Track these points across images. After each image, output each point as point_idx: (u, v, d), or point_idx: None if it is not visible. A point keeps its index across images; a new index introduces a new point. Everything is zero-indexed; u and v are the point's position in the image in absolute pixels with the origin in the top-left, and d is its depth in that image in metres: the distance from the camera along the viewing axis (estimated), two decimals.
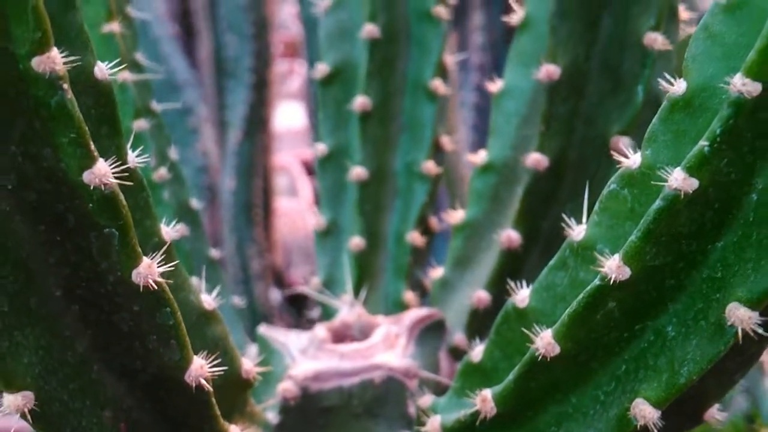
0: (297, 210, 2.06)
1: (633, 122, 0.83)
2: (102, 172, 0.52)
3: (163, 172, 0.94)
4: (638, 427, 0.60)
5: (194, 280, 0.88)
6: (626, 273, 0.58)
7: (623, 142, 0.83)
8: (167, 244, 0.65)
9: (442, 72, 1.02)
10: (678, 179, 0.55)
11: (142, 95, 0.96)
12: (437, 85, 1.02)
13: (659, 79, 0.64)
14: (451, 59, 1.05)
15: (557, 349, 0.62)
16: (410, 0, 1.02)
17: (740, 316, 0.55)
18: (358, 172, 1.01)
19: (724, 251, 0.57)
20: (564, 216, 0.70)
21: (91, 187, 0.52)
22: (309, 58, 1.55)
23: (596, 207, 0.65)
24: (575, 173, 0.86)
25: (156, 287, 0.57)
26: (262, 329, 0.91)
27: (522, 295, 0.72)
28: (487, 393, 0.68)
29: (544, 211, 0.88)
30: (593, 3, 0.82)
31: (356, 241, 1.01)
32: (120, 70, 0.87)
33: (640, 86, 0.82)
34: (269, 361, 0.86)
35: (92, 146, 0.52)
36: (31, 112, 0.50)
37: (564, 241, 0.69)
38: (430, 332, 0.91)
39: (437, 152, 1.03)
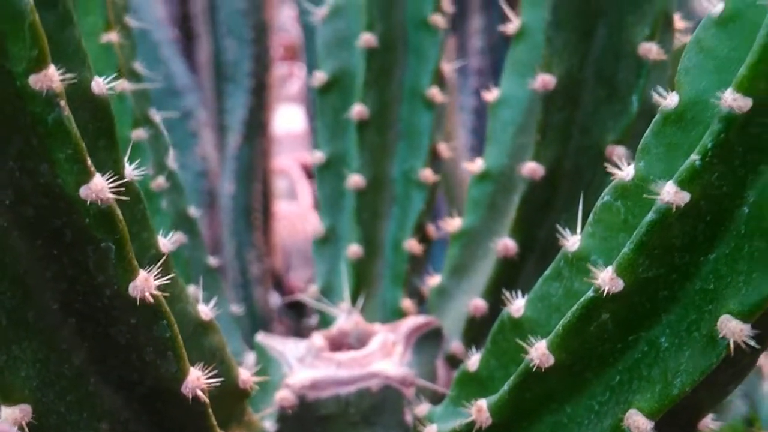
0: (297, 213, 2.07)
1: (628, 132, 0.84)
2: (98, 187, 0.53)
3: (161, 181, 0.95)
4: None
5: (192, 289, 0.89)
6: (619, 285, 0.59)
7: (618, 152, 0.84)
8: (164, 256, 0.65)
9: (439, 80, 1.03)
10: (670, 192, 0.56)
11: (140, 104, 0.96)
12: (434, 93, 1.02)
13: (656, 89, 0.65)
14: (448, 67, 1.06)
15: (552, 360, 0.63)
16: (407, 8, 1.03)
17: (732, 328, 0.56)
18: (355, 180, 1.01)
19: (716, 263, 0.58)
20: (559, 226, 0.70)
21: (88, 203, 0.53)
22: (308, 62, 1.55)
23: (590, 218, 0.66)
24: (571, 182, 0.87)
25: (152, 300, 0.57)
26: (260, 337, 0.91)
27: (517, 305, 0.72)
28: (483, 403, 0.68)
29: (541, 219, 0.88)
30: (588, 13, 0.83)
31: (354, 249, 1.01)
32: (118, 80, 0.88)
33: (635, 96, 0.83)
34: (267, 370, 0.87)
35: (89, 162, 0.53)
36: (28, 129, 0.51)
37: (559, 251, 0.70)
38: (428, 340, 0.91)
39: (434, 160, 1.04)
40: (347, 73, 1.05)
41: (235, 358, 0.91)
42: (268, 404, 0.83)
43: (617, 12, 0.83)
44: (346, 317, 0.94)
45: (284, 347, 0.89)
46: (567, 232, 0.69)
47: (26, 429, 0.55)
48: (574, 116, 0.85)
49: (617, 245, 0.63)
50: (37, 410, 0.56)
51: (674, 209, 0.56)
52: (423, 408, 0.83)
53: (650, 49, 0.82)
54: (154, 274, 0.58)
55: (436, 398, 0.86)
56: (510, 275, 0.89)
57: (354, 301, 0.99)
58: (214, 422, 0.65)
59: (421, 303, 1.03)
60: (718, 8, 0.58)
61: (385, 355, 0.87)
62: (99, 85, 0.58)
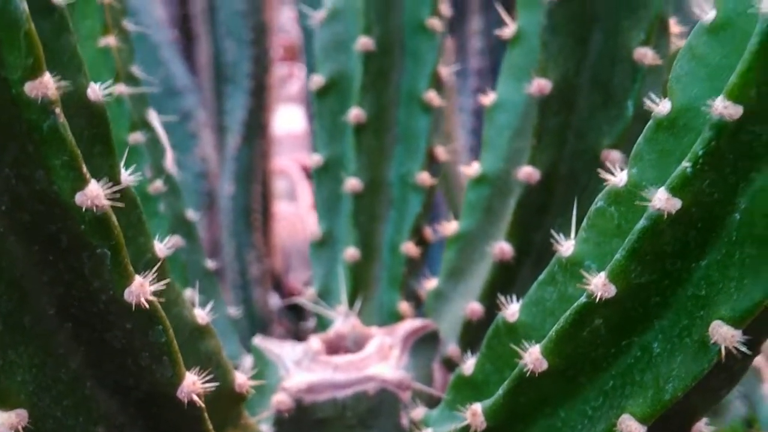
0: (296, 214, 2.07)
1: (623, 136, 0.84)
2: (94, 193, 0.53)
3: (159, 184, 0.95)
4: None
5: (189, 292, 0.89)
6: (612, 291, 0.59)
7: (614, 156, 0.84)
8: (160, 261, 0.65)
9: (436, 83, 1.03)
10: (661, 199, 0.56)
11: (138, 107, 0.97)
12: (432, 96, 1.02)
13: (649, 95, 0.65)
14: (446, 70, 1.06)
15: (545, 365, 0.63)
16: (405, 12, 1.03)
17: (723, 334, 0.56)
18: (352, 183, 1.02)
19: (708, 269, 0.58)
20: (553, 231, 0.70)
21: (83, 209, 0.53)
22: (308, 63, 1.56)
23: (584, 224, 0.66)
24: (567, 186, 0.87)
25: (148, 306, 0.57)
26: (257, 340, 0.92)
27: (512, 310, 0.72)
28: (477, 407, 0.68)
29: (536, 223, 0.88)
30: (583, 18, 0.83)
31: (351, 252, 1.01)
32: (116, 84, 0.89)
33: (630, 101, 0.83)
34: (264, 373, 0.87)
35: (84, 168, 0.53)
36: (24, 136, 0.51)
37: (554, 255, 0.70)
38: (424, 343, 0.92)
39: (432, 163, 1.04)
40: (345, 76, 1.05)
41: (233, 362, 0.92)
42: (266, 407, 0.84)
43: (613, 17, 0.83)
44: (343, 320, 0.94)
45: (281, 350, 0.89)
46: (561, 237, 0.69)
47: None
48: (569, 121, 0.86)
49: (611, 250, 0.63)
50: (33, 415, 0.56)
51: (666, 216, 0.56)
52: (419, 411, 0.83)
53: (645, 54, 0.83)
54: (150, 279, 0.58)
55: (432, 401, 0.86)
56: (506, 279, 0.89)
57: (351, 304, 0.99)
58: (210, 426, 0.65)
59: (419, 306, 1.04)
60: (710, 16, 0.59)
61: (381, 359, 0.87)
62: (95, 91, 0.59)
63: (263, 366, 0.88)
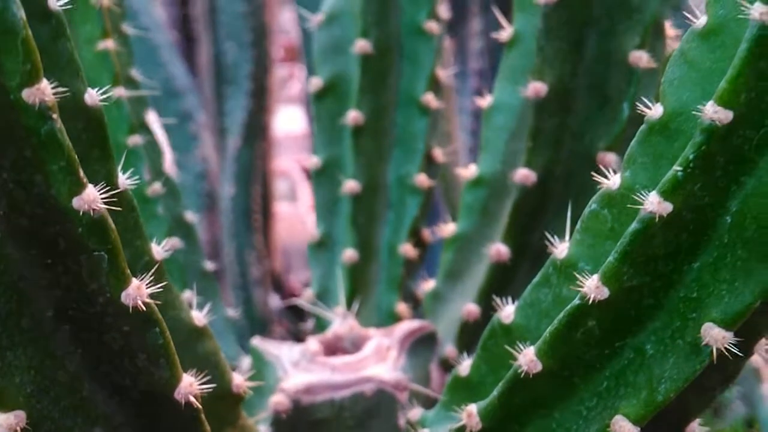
0: (297, 215, 2.08)
1: (619, 139, 0.85)
2: (91, 197, 0.54)
3: (157, 186, 0.96)
4: None
5: (188, 294, 0.90)
6: (605, 293, 0.60)
7: (609, 158, 0.85)
8: (158, 263, 0.66)
9: (434, 86, 1.04)
10: (653, 203, 0.56)
11: (137, 110, 0.97)
12: (429, 99, 1.03)
13: (642, 99, 0.65)
14: (444, 73, 1.07)
15: (539, 366, 0.64)
16: (402, 15, 1.04)
17: (715, 335, 0.57)
18: (351, 185, 1.02)
19: (700, 272, 0.58)
20: (548, 234, 0.71)
21: (81, 213, 0.54)
22: (308, 65, 1.56)
23: (578, 226, 0.67)
24: (563, 188, 0.88)
25: (145, 308, 0.58)
26: (256, 341, 0.92)
27: (507, 312, 0.73)
28: (473, 408, 0.69)
29: (533, 225, 0.89)
30: (579, 22, 0.83)
31: (349, 254, 1.02)
32: (115, 87, 0.89)
33: (626, 104, 0.84)
34: (262, 374, 0.88)
35: (81, 173, 0.53)
36: (22, 141, 0.52)
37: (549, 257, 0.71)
38: (422, 344, 0.92)
39: (430, 165, 1.05)
40: (343, 79, 1.06)
41: (231, 363, 0.92)
42: (264, 408, 0.84)
43: (608, 20, 0.84)
44: (341, 321, 0.95)
45: (279, 351, 0.89)
46: (556, 239, 0.70)
47: None
48: (565, 123, 0.86)
49: (604, 252, 0.64)
50: (31, 416, 0.57)
51: (657, 219, 0.57)
52: (416, 412, 0.84)
53: (641, 57, 0.83)
54: (147, 281, 0.59)
55: (429, 402, 0.87)
56: (503, 280, 0.90)
57: (349, 305, 1.00)
58: (208, 427, 0.66)
59: (416, 307, 1.04)
60: (701, 21, 0.59)
61: (379, 360, 0.88)
62: (92, 96, 0.59)
63: (262, 367, 0.89)
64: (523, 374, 0.64)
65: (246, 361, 0.95)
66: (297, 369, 0.86)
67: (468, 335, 0.91)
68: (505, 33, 0.92)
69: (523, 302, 0.72)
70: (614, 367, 0.63)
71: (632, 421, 0.61)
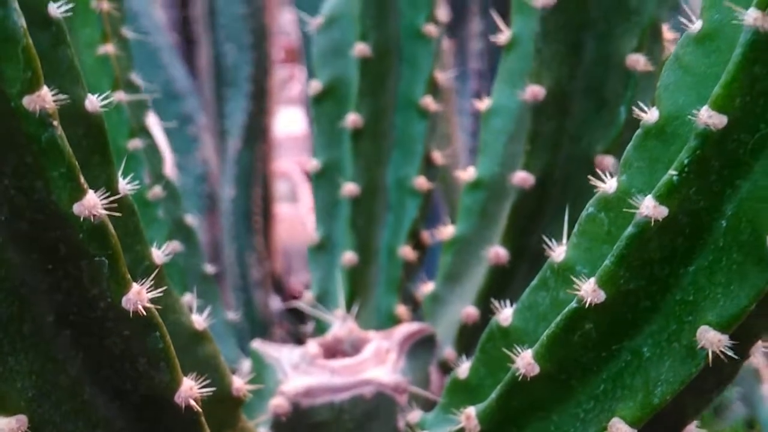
0: (297, 216, 2.08)
1: (616, 142, 0.85)
2: (91, 203, 0.54)
3: (157, 190, 0.96)
4: None
5: (188, 297, 0.91)
6: (601, 296, 0.60)
7: (607, 161, 0.85)
8: (158, 268, 0.66)
9: (433, 89, 1.04)
10: (649, 207, 0.57)
11: (137, 114, 0.98)
12: (428, 102, 1.04)
13: (638, 103, 0.66)
14: (442, 75, 1.07)
15: (537, 369, 0.64)
16: (401, 19, 1.04)
17: (710, 339, 0.57)
18: (350, 188, 1.03)
19: (695, 275, 0.59)
20: (545, 237, 0.71)
21: (81, 219, 0.54)
22: (308, 67, 1.56)
23: (575, 229, 0.67)
24: (561, 191, 0.88)
25: (145, 313, 0.58)
26: (256, 344, 0.93)
27: (505, 314, 0.73)
28: (471, 411, 0.69)
29: (531, 228, 0.89)
30: (576, 25, 0.84)
31: (349, 256, 1.02)
32: (115, 91, 0.90)
33: (623, 107, 0.84)
34: (263, 376, 0.88)
35: (82, 179, 0.54)
36: (22, 148, 0.52)
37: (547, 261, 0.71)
38: (421, 347, 0.93)
39: (429, 167, 1.05)
40: (342, 82, 1.06)
41: (231, 365, 0.93)
42: (264, 411, 0.85)
43: (605, 24, 0.84)
44: (340, 324, 0.95)
45: (279, 354, 0.90)
46: (554, 243, 0.70)
47: None
48: (563, 126, 0.87)
49: (601, 256, 0.64)
50: (33, 420, 0.57)
51: (653, 223, 0.57)
52: (415, 415, 0.84)
53: (638, 61, 0.84)
54: (147, 286, 0.59)
55: (428, 405, 0.87)
56: (501, 283, 0.90)
57: (349, 307, 1.00)
58: (208, 430, 0.66)
59: (416, 309, 1.05)
60: (696, 26, 0.60)
61: (378, 362, 0.88)
62: (92, 102, 0.60)
63: (262, 369, 0.89)
64: (520, 377, 0.65)
65: (246, 364, 0.95)
66: (297, 372, 0.87)
67: (467, 338, 0.92)
68: (503, 36, 0.92)
69: (521, 305, 0.72)
70: (611, 370, 0.63)
71: (629, 423, 0.61)
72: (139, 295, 0.58)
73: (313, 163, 1.07)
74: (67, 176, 0.53)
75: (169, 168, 1.03)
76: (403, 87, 1.05)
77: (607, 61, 0.85)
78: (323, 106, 1.07)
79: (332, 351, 0.92)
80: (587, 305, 0.60)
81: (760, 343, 0.64)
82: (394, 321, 1.01)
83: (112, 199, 0.56)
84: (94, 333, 0.60)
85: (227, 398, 0.75)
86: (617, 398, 0.63)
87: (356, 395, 0.84)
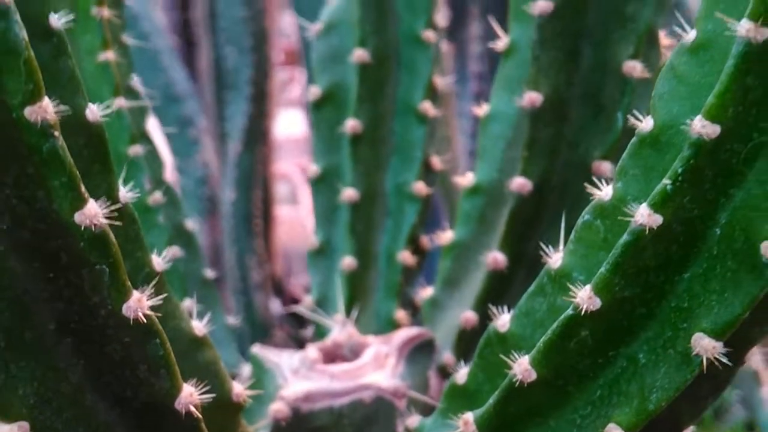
0: (298, 218, 2.09)
1: (614, 148, 0.86)
2: (92, 212, 0.55)
3: (158, 196, 0.97)
4: None
5: (188, 302, 0.91)
6: (597, 303, 0.61)
7: (604, 167, 0.86)
8: (158, 275, 0.67)
9: (431, 94, 1.05)
10: (643, 215, 0.57)
11: (137, 121, 0.98)
12: (427, 107, 1.04)
13: (634, 112, 0.66)
14: (441, 81, 1.08)
15: (534, 376, 0.65)
16: (400, 25, 1.05)
17: (705, 346, 0.58)
18: (349, 193, 1.04)
19: (690, 282, 0.59)
20: (542, 243, 0.72)
21: (82, 227, 0.55)
22: (308, 71, 1.57)
23: (572, 236, 0.68)
24: (559, 197, 0.89)
25: (146, 320, 0.59)
26: (256, 349, 0.93)
27: (503, 320, 0.74)
28: (469, 416, 0.70)
29: (529, 233, 0.90)
30: (573, 32, 0.84)
31: (348, 261, 1.03)
32: (116, 98, 0.90)
33: (620, 113, 0.85)
34: (262, 381, 0.89)
35: (83, 189, 0.55)
36: (24, 158, 0.53)
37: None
38: (420, 351, 0.93)
39: (427, 173, 1.06)
40: (341, 87, 1.07)
41: (231, 370, 0.94)
42: (264, 416, 0.85)
43: (602, 31, 0.85)
44: (340, 329, 0.96)
45: (279, 359, 0.90)
46: (550, 249, 0.71)
47: None
48: (561, 132, 0.87)
49: (597, 262, 0.64)
50: (34, 427, 0.58)
51: (648, 231, 0.58)
52: (414, 420, 0.85)
53: (634, 67, 0.84)
54: (148, 293, 0.60)
55: (427, 409, 0.88)
56: (500, 288, 0.91)
57: (348, 312, 1.01)
58: None
59: (415, 314, 1.05)
60: (690, 36, 0.60)
61: (377, 367, 0.89)
62: (93, 112, 0.60)
63: (261, 374, 0.90)
64: (518, 383, 0.65)
65: (246, 369, 0.96)
66: (296, 377, 0.87)
67: (466, 342, 0.92)
68: (501, 43, 0.93)
69: (519, 311, 0.73)
70: (607, 376, 0.64)
71: (624, 429, 0.62)
72: (139, 303, 0.59)
73: (313, 169, 1.08)
74: (68, 186, 0.54)
75: (170, 173, 1.04)
76: (402, 92, 1.05)
77: (604, 68, 0.85)
78: (322, 112, 1.08)
79: (332, 356, 0.93)
80: (583, 312, 0.61)
81: (757, 347, 0.64)
82: (393, 326, 1.02)
83: (113, 208, 0.57)
84: (95, 340, 0.60)
85: (227, 404, 0.75)
86: (613, 404, 0.63)
87: (355, 400, 0.85)
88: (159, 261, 0.69)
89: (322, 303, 1.06)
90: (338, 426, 0.84)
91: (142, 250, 0.67)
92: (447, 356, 0.95)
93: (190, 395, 0.63)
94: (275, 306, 1.75)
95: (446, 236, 0.98)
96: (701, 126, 0.54)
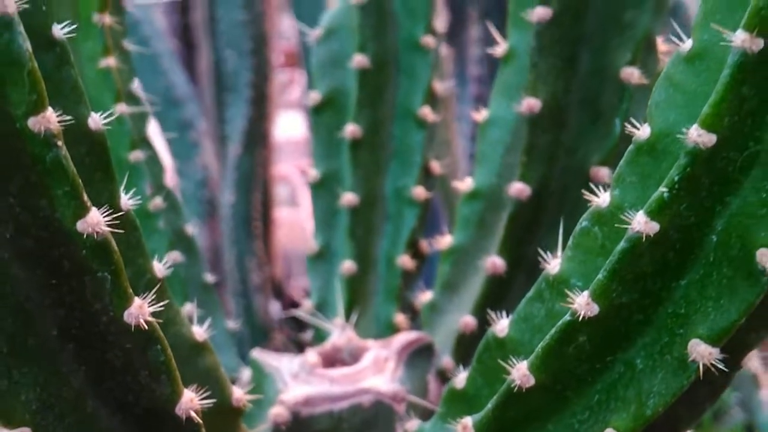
0: (297, 220, 2.09)
1: (612, 153, 0.86)
2: (95, 221, 0.55)
3: (158, 201, 0.97)
4: None
5: (189, 307, 0.92)
6: (595, 309, 0.61)
7: (603, 173, 0.86)
8: (159, 281, 0.68)
9: (430, 99, 1.05)
10: (640, 222, 0.58)
11: (138, 126, 0.99)
12: (426, 112, 1.05)
13: (631, 120, 0.67)
14: (440, 86, 1.08)
15: (532, 381, 0.65)
16: (399, 30, 1.05)
17: (701, 352, 0.58)
18: (349, 198, 1.04)
19: (687, 289, 0.60)
20: (540, 249, 0.73)
21: (84, 235, 0.55)
22: (308, 73, 1.57)
23: (569, 242, 0.68)
24: (557, 202, 0.89)
25: (147, 326, 0.60)
26: (256, 353, 0.94)
27: (501, 325, 0.74)
28: (468, 421, 0.71)
29: (528, 238, 0.90)
30: (571, 39, 0.85)
31: (348, 265, 1.04)
32: (117, 104, 0.91)
33: (618, 119, 0.85)
34: (262, 386, 0.89)
35: (85, 197, 0.55)
36: (28, 167, 0.53)
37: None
38: (419, 356, 0.94)
39: (427, 177, 1.07)
40: (341, 93, 1.08)
41: (231, 374, 0.94)
42: (264, 420, 0.86)
43: (600, 37, 0.85)
44: (339, 333, 0.96)
45: (279, 363, 0.91)
46: (549, 255, 0.71)
47: None
48: (559, 138, 0.88)
49: (595, 269, 0.65)
50: None
51: (644, 238, 0.58)
52: (413, 424, 0.85)
53: (632, 74, 0.85)
54: (149, 300, 0.61)
55: (426, 414, 0.88)
56: (499, 292, 0.91)
57: (348, 316, 1.02)
58: None
59: (414, 318, 1.06)
60: (686, 45, 0.61)
61: (377, 371, 0.89)
62: (95, 121, 0.61)
63: (261, 379, 0.90)
64: (516, 388, 0.66)
65: (246, 373, 0.96)
66: (296, 381, 0.88)
67: (465, 347, 0.93)
68: (500, 49, 0.94)
69: (517, 317, 0.73)
70: (605, 381, 0.64)
71: None
72: (140, 309, 0.59)
73: (313, 173, 1.08)
74: (71, 194, 0.55)
75: (170, 177, 1.04)
76: (402, 97, 1.06)
77: (602, 74, 0.86)
78: (322, 117, 1.08)
79: (331, 360, 0.94)
80: (581, 318, 0.62)
81: (756, 350, 0.65)
82: (392, 329, 1.02)
83: (114, 216, 0.57)
84: (97, 346, 0.61)
85: (228, 409, 0.76)
86: (611, 409, 0.64)
87: (355, 404, 0.85)
88: (160, 267, 0.70)
89: (321, 307, 1.06)
90: (338, 430, 0.85)
91: (143, 256, 0.68)
92: (446, 360, 0.95)
93: (190, 401, 0.64)
94: (275, 308, 1.75)
95: (445, 241, 0.98)
96: (697, 135, 0.55)
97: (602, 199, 0.65)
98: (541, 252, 0.72)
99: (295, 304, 1.59)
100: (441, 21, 1.11)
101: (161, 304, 0.61)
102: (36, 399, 0.59)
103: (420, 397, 0.90)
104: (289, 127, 2.51)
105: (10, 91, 0.51)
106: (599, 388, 0.65)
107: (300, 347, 1.29)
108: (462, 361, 0.88)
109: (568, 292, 0.63)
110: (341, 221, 1.06)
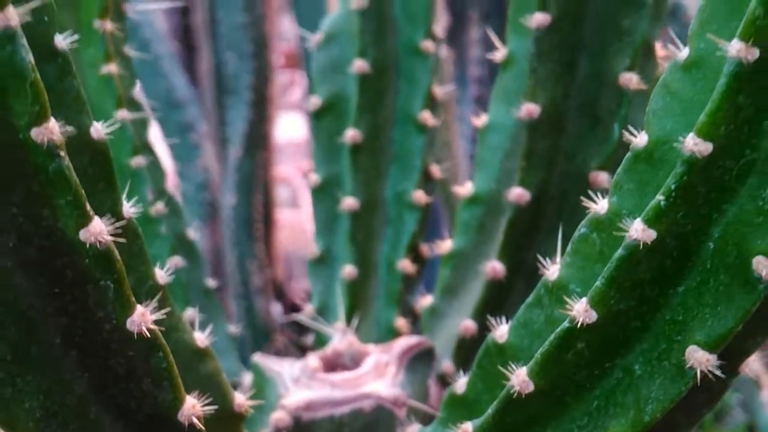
0: (298, 222, 2.10)
1: (610, 158, 0.87)
2: (97, 230, 0.56)
3: (160, 206, 0.98)
4: None
5: (190, 312, 0.92)
6: (593, 316, 0.62)
7: (601, 178, 0.87)
8: (161, 288, 0.68)
9: (430, 104, 1.06)
10: (638, 230, 0.59)
11: (139, 132, 0.99)
12: (426, 117, 1.05)
13: (635, 119, 0.67)
14: (440, 90, 1.09)
15: (531, 387, 0.66)
16: (399, 35, 1.06)
17: (699, 358, 0.59)
18: (349, 202, 1.05)
19: (684, 296, 0.60)
20: (539, 255, 0.73)
21: (87, 245, 0.56)
22: (308, 74, 1.58)
23: (568, 249, 0.69)
24: (556, 207, 0.90)
25: (149, 334, 0.60)
26: (257, 358, 0.94)
27: (501, 331, 0.75)
28: (468, 426, 0.71)
29: (528, 243, 0.91)
30: (570, 44, 0.85)
31: (348, 270, 1.04)
32: (118, 110, 0.91)
33: (617, 124, 0.86)
34: (264, 390, 0.90)
35: (88, 207, 0.56)
36: (30, 177, 0.54)
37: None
38: (420, 360, 0.94)
39: (427, 181, 1.07)
40: (341, 97, 1.08)
41: (233, 379, 0.95)
42: (265, 425, 0.86)
43: (599, 43, 0.86)
44: (340, 337, 0.97)
45: (280, 368, 0.91)
46: (548, 261, 0.72)
47: None
48: (558, 143, 0.88)
49: (594, 275, 0.65)
50: None
51: (642, 246, 0.59)
52: (414, 428, 0.86)
53: (631, 79, 0.85)
54: (151, 308, 0.61)
55: (427, 418, 0.89)
56: (498, 297, 0.92)
57: (349, 320, 1.02)
58: None
59: (415, 322, 1.06)
60: (683, 53, 0.61)
61: (378, 376, 0.90)
62: (97, 130, 0.61)
63: (263, 383, 0.91)
64: (516, 394, 0.66)
65: (248, 378, 0.97)
66: (297, 385, 0.88)
67: (465, 351, 0.93)
68: (499, 54, 0.94)
69: (517, 322, 0.74)
70: (604, 387, 0.65)
71: None
72: (143, 317, 0.60)
73: (313, 178, 1.09)
74: (74, 204, 0.55)
75: (172, 183, 1.05)
76: (402, 102, 1.06)
77: (600, 80, 0.86)
78: (323, 122, 1.09)
79: (332, 364, 0.94)
80: (580, 325, 0.62)
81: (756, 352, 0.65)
82: (393, 334, 1.03)
83: (117, 225, 0.58)
84: (100, 354, 0.61)
85: (229, 415, 0.76)
86: (610, 415, 0.64)
87: (356, 409, 0.86)
88: (162, 274, 0.70)
89: (322, 311, 1.07)
90: None
91: (145, 264, 0.68)
92: (446, 365, 0.96)
93: (192, 407, 0.65)
94: (276, 310, 1.75)
95: (446, 245, 0.99)
96: (694, 143, 0.55)
97: (600, 205, 0.66)
98: (540, 258, 0.72)
99: (296, 306, 1.59)
100: (441, 23, 1.11)
101: (163, 311, 0.62)
102: (40, 407, 0.60)
103: (421, 402, 0.90)
104: (290, 128, 2.51)
105: (13, 103, 0.51)
106: (598, 394, 0.65)
107: (301, 350, 1.30)
108: (462, 366, 0.89)
109: (567, 299, 0.64)
110: (342, 226, 1.06)
